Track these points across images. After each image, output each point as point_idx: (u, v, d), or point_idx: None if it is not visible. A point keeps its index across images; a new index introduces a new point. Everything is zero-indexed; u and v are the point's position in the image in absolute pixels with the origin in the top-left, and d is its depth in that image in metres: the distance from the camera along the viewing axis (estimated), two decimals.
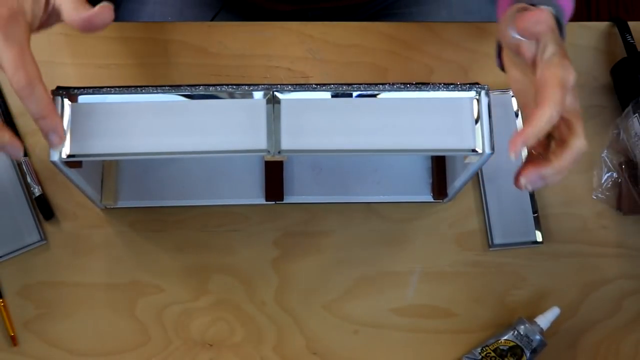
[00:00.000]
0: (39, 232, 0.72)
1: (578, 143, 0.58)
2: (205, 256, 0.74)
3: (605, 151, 0.77)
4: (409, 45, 0.81)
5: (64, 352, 0.71)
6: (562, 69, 0.58)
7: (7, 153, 0.56)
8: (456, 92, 0.59)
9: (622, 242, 0.76)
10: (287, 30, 0.81)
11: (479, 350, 0.71)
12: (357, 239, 0.75)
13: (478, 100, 0.59)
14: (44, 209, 0.73)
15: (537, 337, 0.70)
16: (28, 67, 0.53)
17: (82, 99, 0.58)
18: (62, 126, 0.57)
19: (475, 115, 0.59)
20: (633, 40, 0.80)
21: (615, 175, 0.77)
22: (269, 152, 0.58)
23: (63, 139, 0.57)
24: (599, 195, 0.77)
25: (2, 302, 0.71)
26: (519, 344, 0.70)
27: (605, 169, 0.77)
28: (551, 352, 0.72)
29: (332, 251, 0.74)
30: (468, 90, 0.59)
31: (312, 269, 0.74)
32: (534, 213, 0.75)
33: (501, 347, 0.70)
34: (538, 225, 0.75)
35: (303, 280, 0.74)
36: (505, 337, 0.70)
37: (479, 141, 0.59)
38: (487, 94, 0.59)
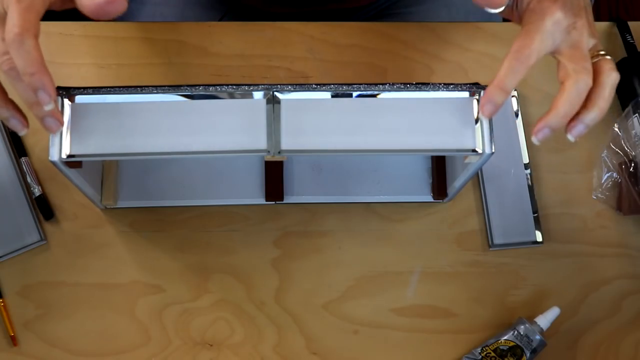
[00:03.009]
0: (39, 232, 0.72)
1: (569, 84, 0.56)
2: (205, 256, 0.74)
3: (605, 151, 0.77)
4: (409, 45, 0.81)
5: (64, 352, 0.71)
6: (543, 19, 0.55)
7: (11, 126, 0.56)
8: (456, 92, 0.59)
9: (622, 242, 0.76)
10: (287, 31, 0.81)
11: (479, 350, 0.71)
12: (357, 239, 0.75)
13: (478, 101, 0.59)
14: (44, 209, 0.73)
15: (537, 337, 0.70)
16: (27, 22, 0.51)
17: (81, 98, 0.58)
18: (54, 90, 0.53)
19: (475, 115, 0.59)
20: (633, 40, 0.80)
21: (615, 175, 0.77)
22: (269, 152, 0.58)
23: (61, 123, 0.56)
24: (599, 195, 0.77)
25: (2, 302, 0.71)
26: (519, 344, 0.70)
27: (605, 169, 0.77)
28: (551, 352, 0.72)
29: (332, 251, 0.74)
30: (468, 90, 0.59)
31: (312, 269, 0.74)
32: (534, 213, 0.75)
33: (501, 347, 0.70)
34: (538, 225, 0.75)
35: (303, 280, 0.74)
36: (505, 337, 0.70)
37: (479, 141, 0.59)
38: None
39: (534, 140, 0.58)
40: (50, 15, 0.79)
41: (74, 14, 0.98)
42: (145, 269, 0.73)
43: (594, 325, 0.74)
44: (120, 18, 0.90)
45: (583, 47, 0.57)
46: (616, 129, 0.77)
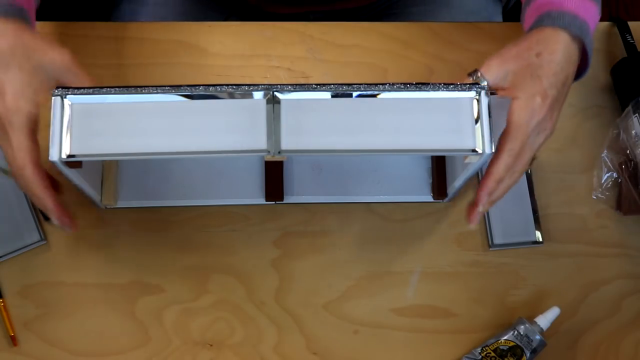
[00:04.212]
0: (39, 232, 0.72)
1: (509, 180, 0.61)
2: (205, 256, 0.74)
3: (605, 151, 0.77)
4: (409, 45, 0.81)
5: (64, 352, 0.71)
6: (519, 110, 0.60)
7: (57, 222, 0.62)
8: (456, 92, 0.59)
9: (622, 242, 0.76)
10: (287, 30, 0.81)
11: (479, 350, 0.71)
12: (357, 239, 0.75)
13: (478, 100, 0.59)
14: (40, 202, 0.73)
15: (537, 337, 0.70)
16: (22, 152, 0.57)
17: (82, 99, 0.58)
18: (57, 207, 0.61)
19: (475, 115, 0.59)
20: (633, 40, 0.80)
21: (615, 175, 0.77)
22: (269, 152, 0.58)
23: (68, 223, 0.63)
24: (599, 195, 0.77)
25: (2, 302, 0.71)
26: (519, 344, 0.70)
27: (605, 169, 0.77)
28: (551, 352, 0.72)
29: (332, 251, 0.74)
30: (468, 91, 0.59)
31: (312, 269, 0.74)
32: (534, 213, 0.75)
33: (501, 347, 0.70)
34: (538, 225, 0.75)
35: (303, 280, 0.74)
36: (505, 337, 0.70)
37: (479, 141, 0.59)
38: (487, 94, 0.59)
39: (472, 227, 0.65)
40: (50, 15, 0.79)
41: (74, 14, 0.98)
42: (145, 269, 0.73)
43: (594, 325, 0.74)
44: (120, 18, 0.91)
45: (534, 150, 0.62)
46: (616, 129, 0.77)
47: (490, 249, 0.75)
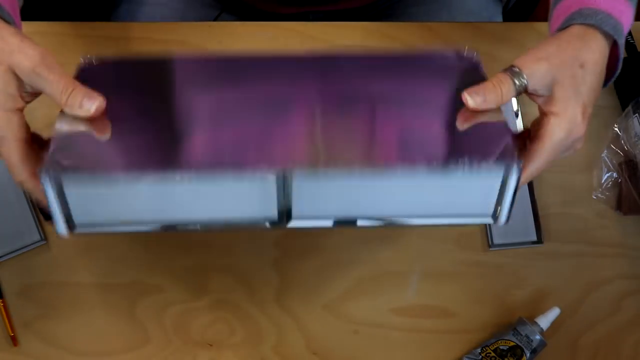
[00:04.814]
0: (39, 232, 0.72)
1: (528, 172, 0.56)
2: (205, 256, 0.74)
3: (605, 151, 0.77)
4: (409, 45, 0.81)
5: (64, 352, 0.71)
6: (567, 136, 0.55)
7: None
8: (482, 173, 0.51)
9: (622, 242, 0.76)
10: (287, 31, 0.81)
11: (479, 350, 0.71)
12: (357, 239, 0.75)
13: (506, 179, 0.51)
14: (44, 209, 0.73)
15: (537, 337, 0.70)
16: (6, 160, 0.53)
17: (72, 172, 0.51)
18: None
19: (499, 193, 0.52)
20: (633, 40, 0.80)
21: (615, 175, 0.77)
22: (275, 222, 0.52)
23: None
24: (599, 195, 0.77)
25: (2, 302, 0.71)
26: (519, 344, 0.70)
27: (605, 169, 0.77)
28: (551, 352, 0.72)
29: (332, 251, 0.74)
30: (496, 170, 0.51)
31: (312, 269, 0.74)
32: (534, 213, 0.75)
33: (501, 347, 0.70)
34: (538, 225, 0.75)
35: (303, 280, 0.74)
36: (505, 337, 0.70)
37: (500, 215, 0.53)
38: (519, 168, 0.51)
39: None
40: (50, 15, 0.79)
41: (74, 14, 0.98)
42: (145, 269, 0.73)
43: (594, 325, 0.74)
44: (120, 19, 0.91)
45: (557, 159, 0.57)
46: (616, 129, 0.77)
47: (490, 249, 0.75)
